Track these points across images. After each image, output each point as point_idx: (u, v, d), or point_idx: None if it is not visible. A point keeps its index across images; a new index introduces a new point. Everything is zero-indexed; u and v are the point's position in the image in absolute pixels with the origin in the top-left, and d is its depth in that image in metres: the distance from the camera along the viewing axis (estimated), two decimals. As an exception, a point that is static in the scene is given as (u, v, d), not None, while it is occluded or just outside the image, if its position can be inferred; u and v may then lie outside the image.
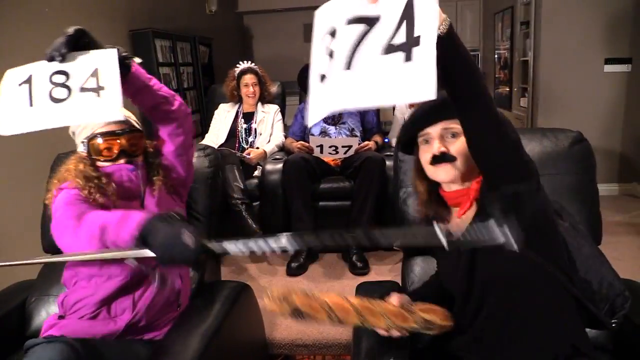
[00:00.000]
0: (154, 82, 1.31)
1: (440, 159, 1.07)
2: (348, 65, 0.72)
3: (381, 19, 0.71)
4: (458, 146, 1.06)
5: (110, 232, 1.10)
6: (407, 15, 0.67)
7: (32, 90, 1.07)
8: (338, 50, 0.74)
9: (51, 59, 1.06)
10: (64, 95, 1.06)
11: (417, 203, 1.22)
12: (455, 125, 1.06)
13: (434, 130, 1.09)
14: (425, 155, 1.11)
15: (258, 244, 1.01)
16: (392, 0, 0.69)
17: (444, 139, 1.08)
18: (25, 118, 1.07)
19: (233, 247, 1.03)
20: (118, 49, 1.09)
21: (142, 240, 1.05)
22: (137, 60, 1.24)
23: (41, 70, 1.08)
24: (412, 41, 0.66)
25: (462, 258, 1.10)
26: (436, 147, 1.07)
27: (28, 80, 1.07)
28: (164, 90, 1.35)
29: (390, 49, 0.69)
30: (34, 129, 1.08)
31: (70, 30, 1.06)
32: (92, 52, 1.08)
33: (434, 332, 1.13)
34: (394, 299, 1.17)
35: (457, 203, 1.12)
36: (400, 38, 0.68)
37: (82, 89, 1.06)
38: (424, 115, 1.11)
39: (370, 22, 0.72)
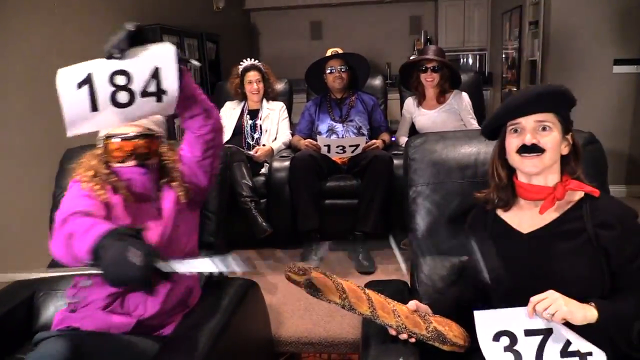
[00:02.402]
0: (200, 90, 1.28)
1: (530, 149, 1.10)
2: None
3: None
4: (548, 140, 1.10)
5: (74, 243, 1.09)
6: None
7: (93, 93, 1.05)
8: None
9: (110, 56, 1.03)
10: (126, 100, 1.07)
11: (489, 186, 1.24)
12: (547, 119, 1.11)
13: (527, 121, 1.12)
14: (514, 143, 1.14)
15: (205, 264, 1.03)
16: None
17: (535, 131, 1.11)
18: (89, 120, 1.08)
19: (181, 266, 1.05)
20: (175, 47, 1.08)
21: (96, 256, 1.04)
22: (196, 63, 1.23)
23: (100, 69, 1.05)
24: None
25: (535, 247, 1.13)
26: (528, 138, 1.10)
27: (87, 81, 1.05)
28: (207, 101, 1.32)
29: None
30: (98, 129, 1.19)
31: (131, 26, 1.03)
32: (150, 47, 1.07)
33: (444, 347, 1.12)
34: (412, 304, 1.17)
35: (534, 197, 1.14)
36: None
37: (144, 94, 1.07)
38: (518, 106, 1.14)
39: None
